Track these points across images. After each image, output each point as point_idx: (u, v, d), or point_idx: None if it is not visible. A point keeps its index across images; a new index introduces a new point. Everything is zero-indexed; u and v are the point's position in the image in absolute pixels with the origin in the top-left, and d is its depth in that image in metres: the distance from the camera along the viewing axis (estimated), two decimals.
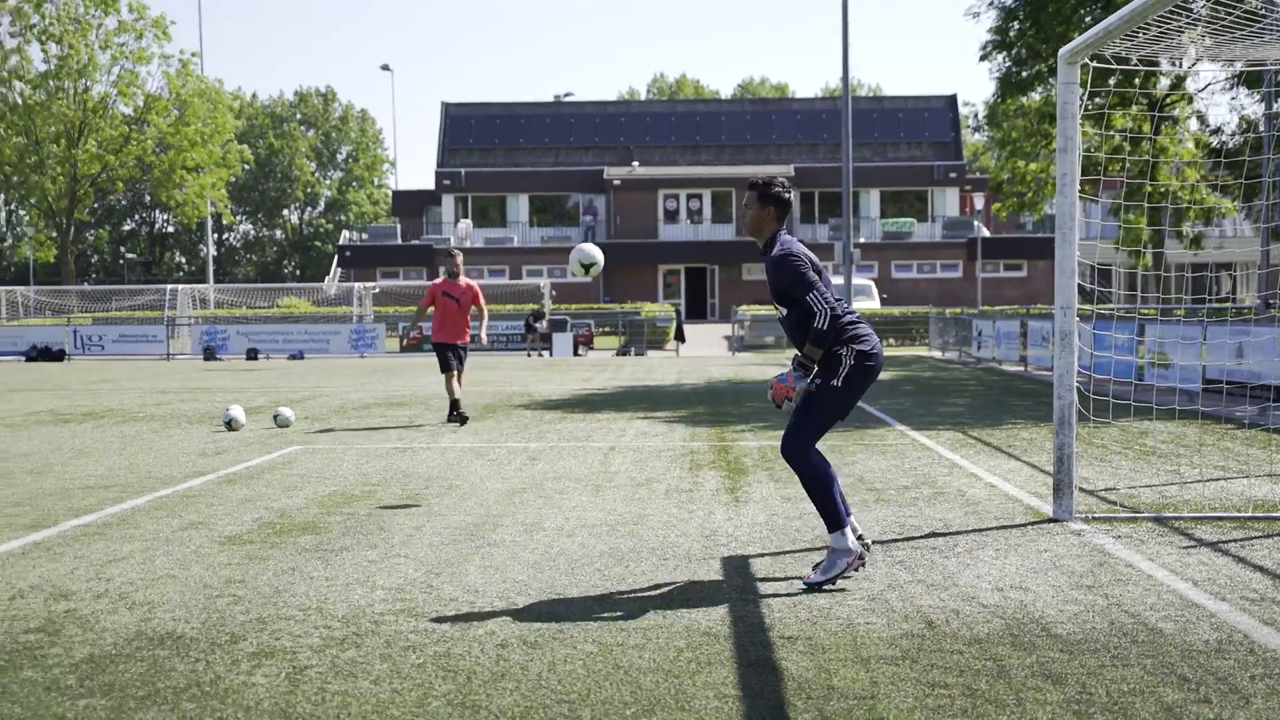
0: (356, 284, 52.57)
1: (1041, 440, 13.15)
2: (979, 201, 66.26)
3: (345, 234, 77.11)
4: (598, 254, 9.49)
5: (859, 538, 6.72)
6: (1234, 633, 5.57)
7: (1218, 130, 37.63)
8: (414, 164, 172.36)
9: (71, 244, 66.23)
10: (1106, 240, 38.28)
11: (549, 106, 73.93)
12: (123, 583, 6.75)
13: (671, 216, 66.24)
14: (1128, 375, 19.41)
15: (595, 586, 6.57)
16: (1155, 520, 8.38)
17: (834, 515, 6.46)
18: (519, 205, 68.33)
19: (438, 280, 15.93)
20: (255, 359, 40.49)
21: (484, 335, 15.97)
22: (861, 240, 61.47)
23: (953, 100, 69.92)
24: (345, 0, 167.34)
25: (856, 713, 4.57)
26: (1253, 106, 35.06)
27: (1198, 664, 5.11)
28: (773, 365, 32.10)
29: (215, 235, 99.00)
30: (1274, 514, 8.55)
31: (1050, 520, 8.41)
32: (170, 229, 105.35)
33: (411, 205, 72.35)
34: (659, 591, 6.47)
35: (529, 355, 40.41)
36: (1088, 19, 33.46)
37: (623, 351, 41.90)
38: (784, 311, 6.68)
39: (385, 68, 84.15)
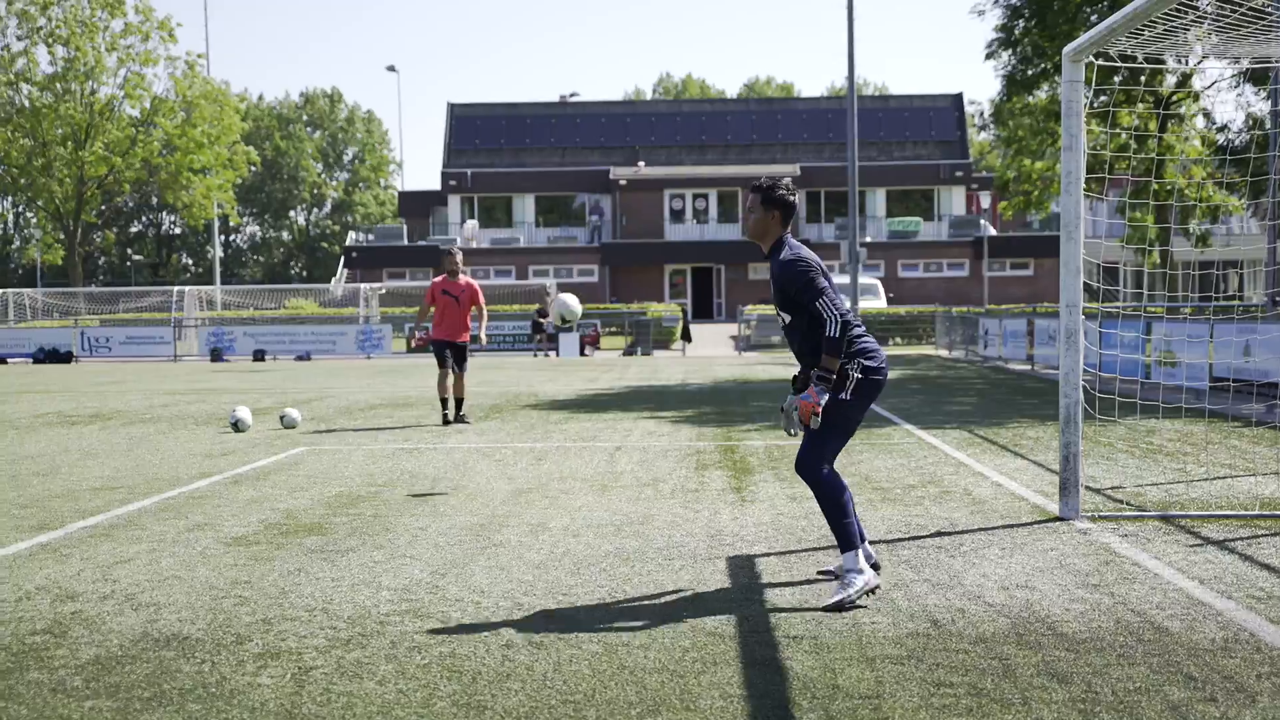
0: (363, 285, 52.63)
1: (1048, 439, 13.13)
2: (985, 200, 66.29)
3: (352, 235, 77.18)
4: (577, 308, 10.18)
5: (873, 565, 6.48)
6: (1240, 631, 5.56)
7: (1224, 127, 37.60)
8: (420, 165, 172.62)
9: (79, 246, 66.28)
10: (1113, 238, 38.22)
11: (555, 107, 73.93)
12: (129, 584, 6.75)
13: (677, 216, 66.24)
14: (1134, 373, 19.38)
15: (601, 587, 6.57)
16: (1161, 519, 8.37)
17: (848, 536, 6.23)
18: (525, 205, 68.35)
19: (437, 279, 15.95)
20: (262, 360, 40.54)
21: (484, 335, 15.99)
22: (868, 239, 61.46)
23: (958, 99, 69.83)
24: (351, 1, 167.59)
25: (862, 712, 4.56)
26: (1259, 103, 35.03)
27: (1204, 662, 5.10)
28: (779, 365, 32.09)
29: (222, 237, 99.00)
30: None
31: (1056, 519, 8.40)
32: (177, 231, 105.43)
33: (418, 206, 72.40)
34: (664, 591, 6.47)
35: (535, 355, 40.43)
36: (1093, 17, 33.43)
37: (629, 352, 41.91)
38: (787, 318, 6.47)
39: (391, 69, 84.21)
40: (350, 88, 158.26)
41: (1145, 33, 8.52)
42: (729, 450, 12.69)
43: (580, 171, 67.92)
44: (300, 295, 56.98)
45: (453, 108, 71.34)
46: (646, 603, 6.23)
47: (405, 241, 68.16)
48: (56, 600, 6.42)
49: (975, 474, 10.70)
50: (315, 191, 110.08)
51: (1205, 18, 8.85)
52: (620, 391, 22.31)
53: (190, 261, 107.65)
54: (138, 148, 63.52)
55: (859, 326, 6.51)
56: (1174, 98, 35.41)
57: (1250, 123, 35.87)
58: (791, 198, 6.64)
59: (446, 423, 15.56)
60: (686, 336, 43.05)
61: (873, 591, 6.18)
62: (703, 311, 62.40)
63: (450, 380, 15.72)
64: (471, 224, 66.47)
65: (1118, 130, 32.22)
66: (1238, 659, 5.15)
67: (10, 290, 52.45)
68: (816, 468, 6.28)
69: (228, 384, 26.16)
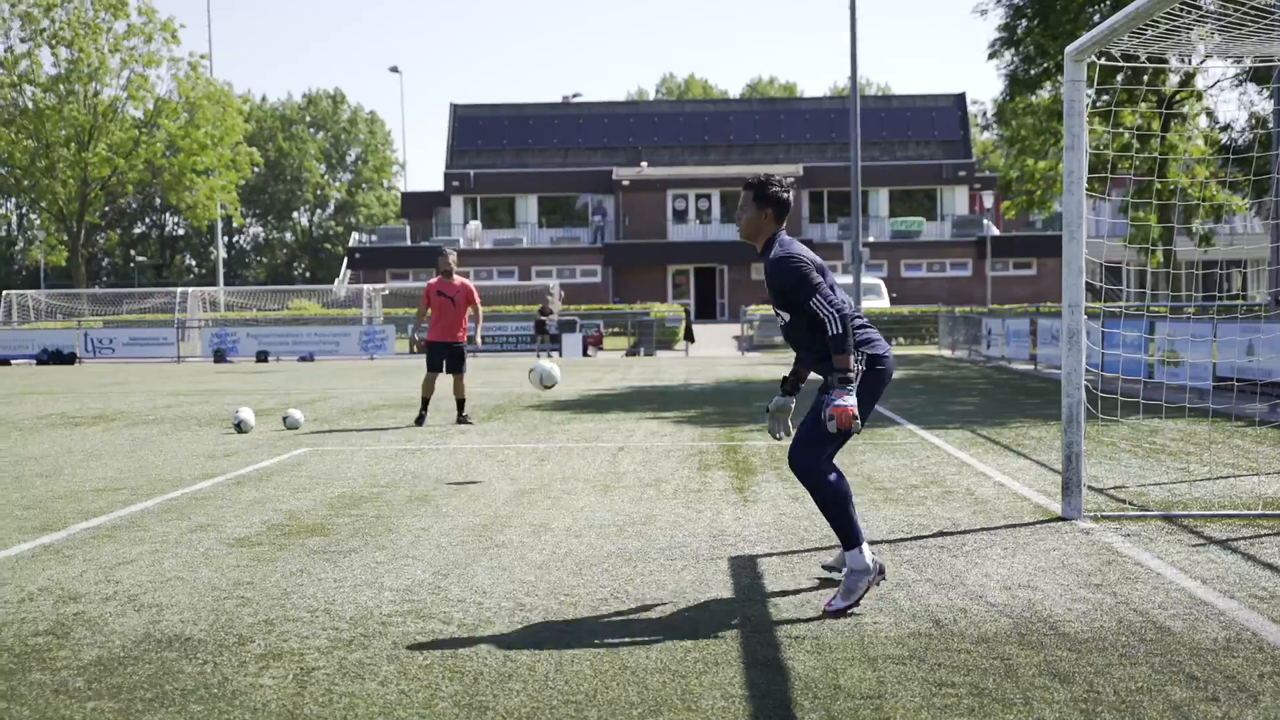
0: (366, 286, 52.65)
1: (1050, 438, 13.13)
2: (988, 200, 66.20)
3: (355, 236, 77.27)
4: (557, 374, 11.11)
5: (880, 569, 6.29)
6: (1243, 631, 5.56)
7: (1227, 127, 37.57)
8: (423, 166, 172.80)
9: (82, 247, 66.35)
10: (1116, 238, 38.19)
11: (557, 107, 73.97)
12: (131, 585, 6.76)
13: (680, 216, 66.24)
14: (1137, 373, 19.37)
15: (603, 587, 6.57)
16: (1164, 518, 8.37)
17: (850, 532, 6.04)
18: (528, 206, 68.38)
19: (432, 280, 15.98)
20: (265, 361, 40.56)
21: (479, 336, 16.02)
22: (870, 239, 61.42)
23: (961, 98, 69.83)
24: (353, 2, 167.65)
25: (863, 712, 4.56)
26: (1262, 103, 34.98)
27: (1206, 662, 5.10)
28: (782, 365, 32.07)
29: (225, 238, 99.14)
30: None
31: (1059, 519, 8.40)
32: (180, 232, 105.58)
33: (421, 207, 72.41)
34: (666, 592, 6.47)
35: (538, 356, 40.44)
36: (1095, 17, 33.42)
37: (632, 352, 41.90)
38: (785, 317, 6.27)
39: (394, 69, 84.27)
40: (353, 89, 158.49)
41: (1147, 32, 8.51)
42: (731, 450, 12.69)
43: (583, 172, 67.94)
44: (303, 296, 57.00)
45: (455, 108, 71.39)
46: (648, 603, 6.23)
47: (408, 242, 68.16)
48: (59, 601, 6.43)
49: (978, 474, 10.70)
50: (318, 192, 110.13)
51: (1208, 17, 8.84)
52: (623, 392, 22.31)
53: (193, 263, 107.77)
54: (141, 149, 63.58)
55: (859, 316, 6.30)
56: (1177, 97, 35.38)
57: (1253, 122, 35.83)
58: (785, 195, 6.39)
59: (420, 422, 15.61)
60: (689, 337, 43.05)
61: (879, 583, 6.14)
62: (705, 312, 62.39)
63: (436, 382, 15.81)
64: (474, 225, 66.49)
65: (1120, 129, 32.22)
66: (1240, 659, 5.15)
67: (14, 291, 52.51)
68: (814, 468, 6.07)
69: (231, 385, 26.18)
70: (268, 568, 7.16)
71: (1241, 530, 7.92)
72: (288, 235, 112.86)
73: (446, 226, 67.99)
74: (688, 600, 6.28)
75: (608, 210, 67.03)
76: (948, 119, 69.86)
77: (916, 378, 25.36)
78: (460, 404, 15.84)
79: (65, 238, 66.66)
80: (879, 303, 52.39)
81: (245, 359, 41.28)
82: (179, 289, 50.61)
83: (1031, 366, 27.75)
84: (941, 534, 7.94)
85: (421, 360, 16.29)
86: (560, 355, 40.03)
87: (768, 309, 47.93)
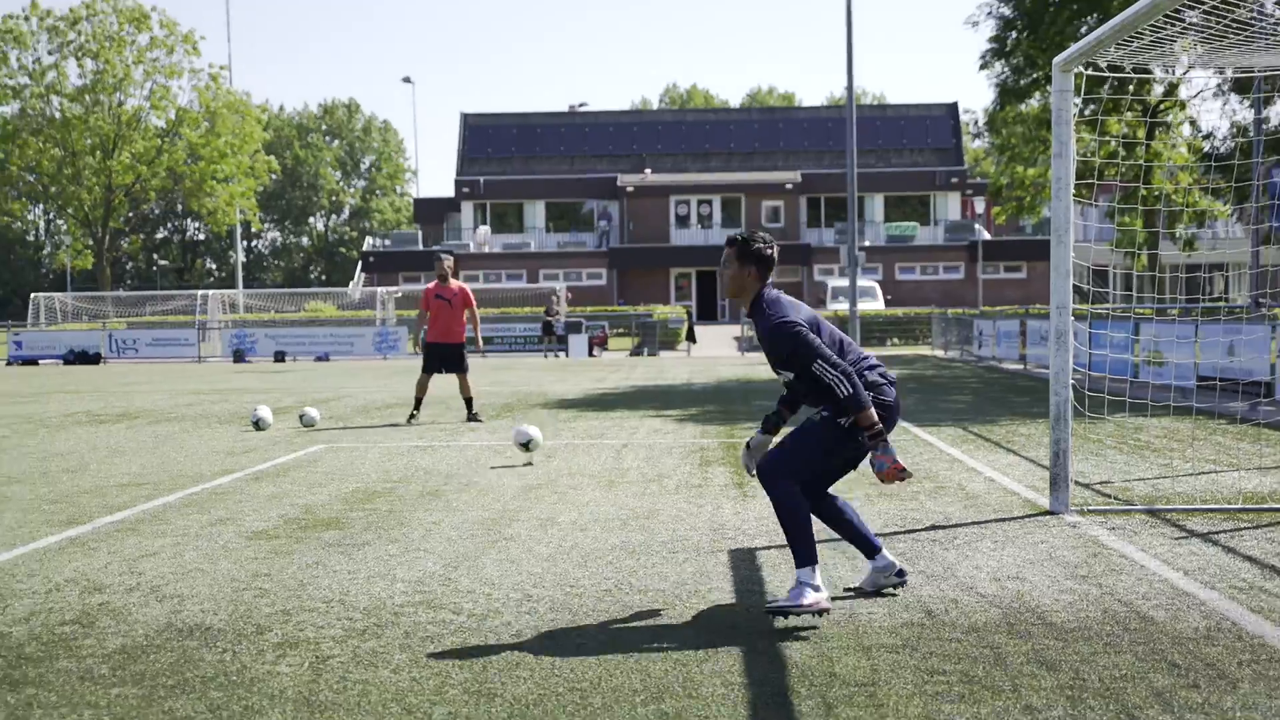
0: (380, 288, 52.63)
1: (1039, 435, 13.13)
2: (979, 206, 66.19)
3: (369, 240, 77.26)
4: (538, 436, 11.50)
5: (899, 573, 6.14)
6: (1223, 620, 5.56)
7: (1210, 135, 37.52)
8: (434, 172, 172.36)
9: (107, 251, 66.48)
10: (1103, 242, 38.17)
11: (564, 116, 73.93)
12: (154, 576, 6.77)
13: (683, 221, 66.20)
14: (1124, 373, 19.36)
15: (607, 579, 6.58)
16: (1148, 512, 8.36)
17: (806, 550, 5.65)
18: (536, 211, 68.35)
19: (429, 285, 16.04)
20: (282, 361, 40.57)
21: (479, 338, 16.06)
22: (866, 244, 61.36)
23: (954, 108, 69.75)
24: (368, 15, 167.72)
25: (858, 699, 4.57)
26: (1243, 112, 34.96)
27: (1188, 650, 5.10)
28: None
29: (244, 242, 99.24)
30: (1263, 506, 8.53)
31: (1047, 513, 8.40)
32: (201, 237, 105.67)
33: (432, 212, 72.41)
34: (668, 583, 6.47)
35: (545, 356, 40.43)
36: (1082, 29, 33.39)
37: (636, 352, 41.89)
38: (789, 376, 5.86)
39: (406, 80, 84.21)
40: (367, 99, 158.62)
41: (1133, 44, 8.51)
42: (732, 447, 12.69)
43: (589, 179, 67.92)
44: (319, 298, 56.97)
45: (466, 117, 71.37)
46: (651, 594, 6.24)
47: (420, 247, 68.11)
48: (85, 592, 6.44)
49: (969, 470, 10.70)
50: (333, 199, 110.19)
51: (1191, 29, 8.84)
52: (627, 391, 22.31)
53: (214, 266, 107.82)
54: (163, 157, 63.74)
55: (868, 358, 5.99)
56: (1161, 106, 35.35)
57: (1234, 130, 35.79)
58: (769, 251, 5.98)
59: (411, 420, 15.65)
60: (691, 338, 43.03)
61: (821, 614, 5.59)
62: (707, 313, 62.33)
63: (432, 383, 15.97)
64: (484, 229, 66.50)
65: (1107, 138, 32.15)
66: (1220, 647, 5.15)
67: (41, 294, 52.54)
68: (777, 478, 5.72)
69: (249, 384, 26.19)
70: (285, 560, 7.17)
71: (1222, 524, 7.92)
72: (304, 240, 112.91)
73: (457, 231, 67.98)
74: (689, 591, 6.29)
75: (613, 215, 67.01)
76: (940, 127, 69.80)
77: (910, 377, 25.34)
78: (469, 403, 15.86)
79: (91, 242, 66.77)
80: (874, 304, 52.37)
81: (263, 359, 41.30)
82: (200, 292, 50.61)
83: (1021, 366, 27.72)
84: (934, 527, 7.95)
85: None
86: (567, 355, 40.03)
87: None
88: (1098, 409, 12.51)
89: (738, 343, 45.90)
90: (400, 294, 52.76)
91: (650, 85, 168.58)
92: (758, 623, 5.64)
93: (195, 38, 64.33)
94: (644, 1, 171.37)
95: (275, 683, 4.86)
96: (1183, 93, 35.64)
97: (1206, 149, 36.61)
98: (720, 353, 42.66)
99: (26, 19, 63.31)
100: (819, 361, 5.64)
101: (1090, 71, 9.09)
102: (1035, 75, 35.83)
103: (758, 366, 31.60)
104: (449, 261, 15.99)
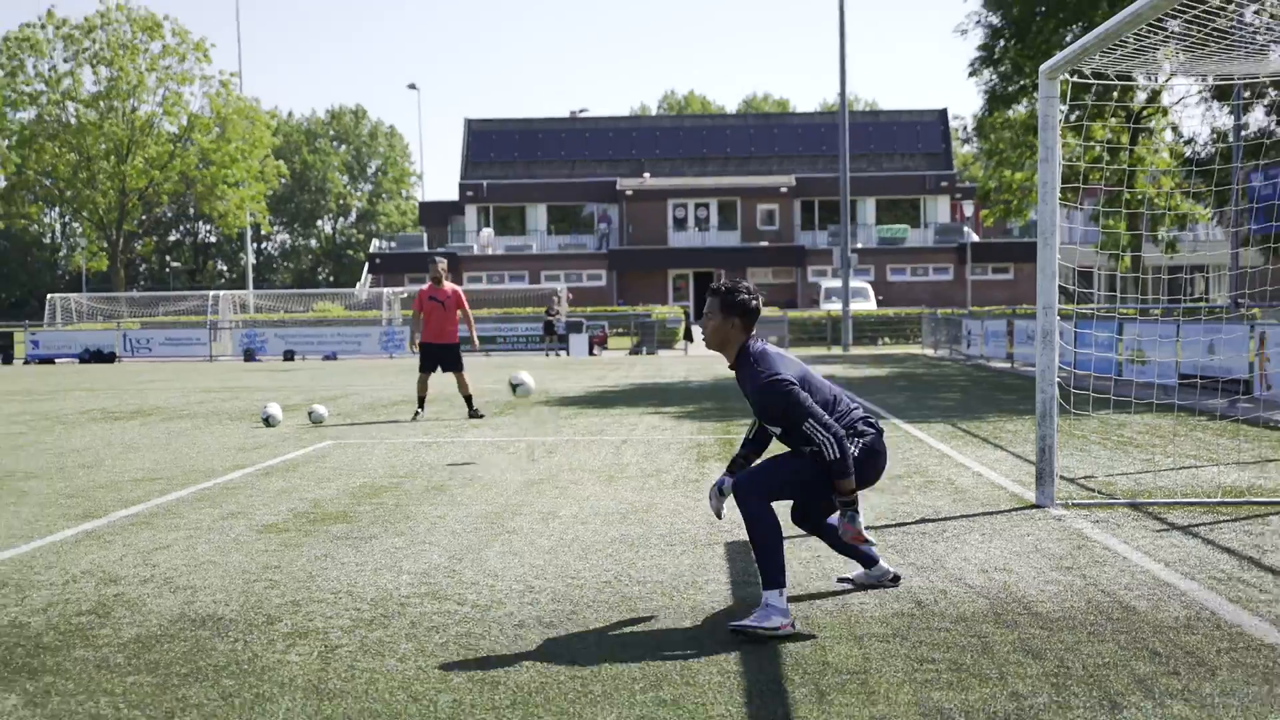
0: (386, 289, 52.56)
1: (1025, 432, 13.13)
2: (968, 209, 66.24)
3: (375, 243, 77.27)
4: (530, 382, 12.30)
5: (894, 578, 6.08)
6: (1202, 610, 5.58)
7: (1191, 141, 37.52)
8: (439, 176, 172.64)
9: (121, 254, 66.41)
10: (1088, 244, 38.17)
11: (565, 122, 73.91)
12: (167, 568, 6.78)
13: (680, 224, 66.18)
14: (1108, 371, 19.38)
15: (607, 570, 6.59)
16: (1131, 506, 8.38)
17: (775, 572, 5.36)
18: (537, 214, 68.31)
19: (423, 287, 16.07)
20: (291, 360, 40.54)
21: (475, 338, 16.09)
22: (859, 246, 61.27)
23: (943, 114, 69.72)
24: (374, 23, 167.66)
25: (850, 687, 4.58)
26: (1223, 118, 34.97)
27: (1168, 639, 5.12)
28: None
29: (254, 244, 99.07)
30: (1241, 500, 8.54)
31: (1033, 506, 8.41)
32: (212, 239, 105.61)
33: (437, 215, 72.39)
34: (666, 575, 6.48)
35: (547, 355, 40.42)
36: (1068, 37, 33.40)
37: (635, 351, 41.87)
38: (777, 431, 5.61)
39: (412, 86, 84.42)
40: (374, 105, 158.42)
41: (1117, 52, 8.53)
42: (728, 443, 12.70)
43: (589, 182, 67.89)
44: (327, 299, 56.90)
45: (470, 123, 71.33)
46: (649, 586, 6.24)
47: (425, 249, 67.98)
48: (100, 583, 6.45)
49: (957, 465, 10.71)
50: (341, 202, 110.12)
51: (1172, 38, 8.86)
52: (626, 388, 22.31)
53: (225, 268, 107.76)
54: (175, 161, 63.72)
55: (856, 409, 5.76)
56: (1144, 113, 35.33)
57: (1215, 136, 35.80)
58: (754, 302, 5.65)
59: (416, 418, 15.70)
60: (689, 337, 43.00)
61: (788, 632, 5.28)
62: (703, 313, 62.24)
63: (430, 382, 16.04)
64: (487, 232, 66.47)
65: (1092, 143, 32.18)
66: (1199, 635, 5.16)
67: (58, 295, 52.47)
68: (751, 496, 5.46)
69: (259, 382, 26.19)
70: (294, 552, 7.17)
71: (1202, 517, 7.93)
72: (312, 242, 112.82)
73: (461, 234, 67.95)
74: (686, 583, 6.30)
75: (612, 218, 66.97)
76: (930, 133, 69.78)
77: (900, 375, 25.35)
78: (468, 400, 15.86)
79: (105, 245, 66.72)
80: (866, 305, 52.34)
81: (273, 358, 41.28)
82: (211, 292, 50.52)
83: (1008, 365, 27.72)
84: (924, 520, 7.96)
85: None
86: (568, 354, 40.03)
87: (764, 311, 47.85)
88: (1082, 406, 12.54)
89: None
90: (406, 295, 52.65)
91: (648, 92, 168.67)
92: (753, 613, 5.64)
93: (206, 45, 64.29)
94: (643, 11, 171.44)
95: (285, 671, 4.88)
96: (1165, 99, 35.64)
97: (1188, 154, 36.60)
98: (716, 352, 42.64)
99: (43, 27, 63.31)
100: (810, 421, 5.39)
101: (1075, 79, 9.10)
102: (1022, 82, 35.85)
103: None
104: (442, 264, 16.05)
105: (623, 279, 63.88)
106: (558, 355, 40.11)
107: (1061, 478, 9.40)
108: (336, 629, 5.48)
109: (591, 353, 40.64)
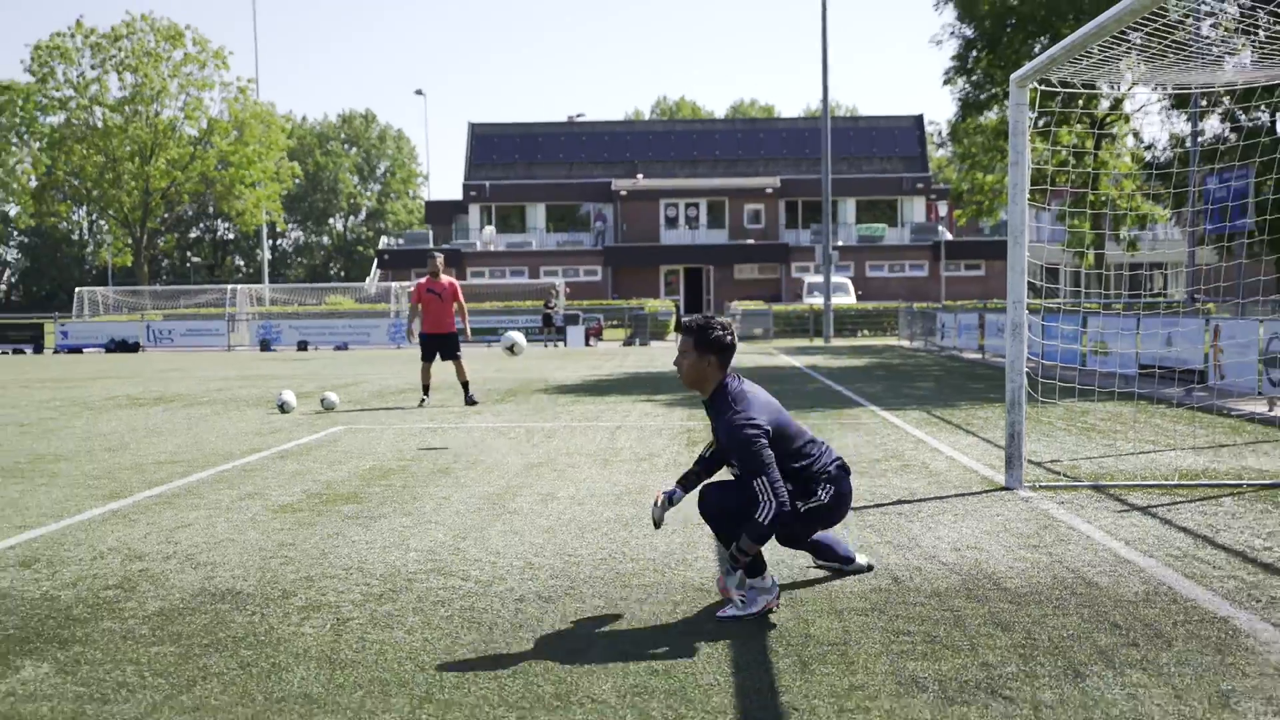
0: (394, 283, 52.47)
1: (995, 418, 13.15)
2: (942, 209, 66.21)
3: (383, 239, 77.04)
4: (523, 342, 12.47)
5: (868, 567, 5.84)
6: (1160, 585, 5.59)
7: (1151, 146, 37.60)
8: (444, 177, 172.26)
9: (145, 249, 66.29)
10: (1054, 243, 38.20)
11: (563, 126, 73.76)
12: (189, 546, 6.78)
13: (671, 223, 66.11)
14: (1072, 361, 19.36)
15: (602, 549, 6.59)
16: (1094, 488, 8.39)
17: (756, 563, 5.18)
18: (537, 213, 68.20)
19: (421, 280, 16.09)
20: (305, 350, 40.49)
21: (468, 329, 16.09)
22: (839, 243, 61.33)
23: (919, 119, 69.68)
24: (384, 33, 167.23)
25: (831, 658, 4.59)
26: (1181, 125, 34.99)
27: (1128, 612, 5.13)
28: (761, 355, 32.04)
29: (270, 241, 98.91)
30: (1196, 482, 8.56)
31: (1002, 488, 8.42)
32: (230, 236, 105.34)
33: (442, 214, 72.21)
34: (658, 553, 6.48)
35: (545, 346, 40.40)
36: (1036, 48, 33.40)
37: (628, 342, 41.85)
38: (735, 468, 5.25)
39: (419, 92, 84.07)
40: (383, 110, 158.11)
41: (1082, 62, 8.53)
42: None
43: (586, 183, 67.78)
44: (339, 293, 56.84)
45: (473, 127, 71.16)
46: (643, 563, 6.25)
47: (431, 245, 67.77)
48: (126, 559, 6.44)
49: (932, 449, 10.72)
50: (351, 201, 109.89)
51: (1134, 49, 8.86)
52: (620, 377, 22.31)
53: (242, 263, 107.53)
54: (196, 163, 63.59)
55: (826, 456, 5.43)
56: (1107, 119, 35.37)
57: (1173, 141, 35.84)
58: (729, 338, 5.30)
59: (422, 404, 15.72)
60: (679, 329, 43.00)
61: (775, 606, 5.22)
62: (694, 307, 62.22)
63: (433, 370, 16.06)
64: (489, 230, 66.38)
65: (1058, 147, 32.21)
66: (1157, 609, 5.18)
67: (85, 289, 52.35)
68: (725, 511, 5.26)
69: (275, 371, 26.15)
70: (308, 531, 7.17)
71: (1160, 498, 7.95)
72: (325, 239, 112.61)
73: (465, 231, 67.80)
74: (677, 560, 6.30)
75: (607, 217, 66.89)
76: (907, 137, 69.71)
77: (878, 365, 25.36)
78: (465, 386, 15.87)
79: (130, 241, 66.59)
80: (846, 299, 52.29)
81: (287, 348, 41.22)
82: (229, 286, 50.44)
83: (980, 355, 27.74)
84: (900, 502, 7.97)
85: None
86: (565, 345, 40.01)
87: (749, 304, 47.87)
88: (1049, 394, 12.57)
89: None
90: (413, 288, 52.66)
91: (642, 98, 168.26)
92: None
93: (225, 53, 64.18)
94: (637, 21, 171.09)
95: (300, 642, 4.88)
96: (1127, 107, 35.68)
97: (1148, 158, 36.67)
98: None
99: (72, 36, 63.20)
100: (763, 479, 5.03)
101: (1044, 87, 9.10)
102: (994, 90, 35.87)
103: (740, 356, 31.61)
104: (439, 259, 16.22)
105: (617, 274, 63.81)
106: (555, 346, 40.07)
107: (1029, 462, 9.41)
108: (348, 603, 5.48)
109: (587, 344, 40.62)
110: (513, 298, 51.36)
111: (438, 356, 15.83)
